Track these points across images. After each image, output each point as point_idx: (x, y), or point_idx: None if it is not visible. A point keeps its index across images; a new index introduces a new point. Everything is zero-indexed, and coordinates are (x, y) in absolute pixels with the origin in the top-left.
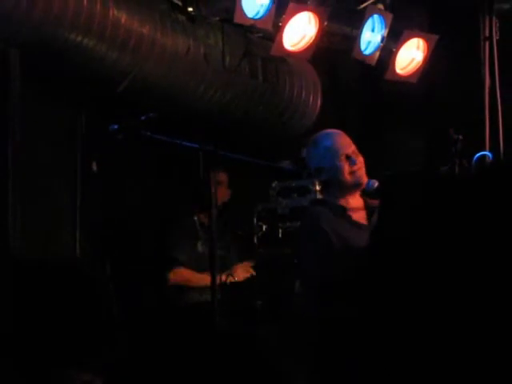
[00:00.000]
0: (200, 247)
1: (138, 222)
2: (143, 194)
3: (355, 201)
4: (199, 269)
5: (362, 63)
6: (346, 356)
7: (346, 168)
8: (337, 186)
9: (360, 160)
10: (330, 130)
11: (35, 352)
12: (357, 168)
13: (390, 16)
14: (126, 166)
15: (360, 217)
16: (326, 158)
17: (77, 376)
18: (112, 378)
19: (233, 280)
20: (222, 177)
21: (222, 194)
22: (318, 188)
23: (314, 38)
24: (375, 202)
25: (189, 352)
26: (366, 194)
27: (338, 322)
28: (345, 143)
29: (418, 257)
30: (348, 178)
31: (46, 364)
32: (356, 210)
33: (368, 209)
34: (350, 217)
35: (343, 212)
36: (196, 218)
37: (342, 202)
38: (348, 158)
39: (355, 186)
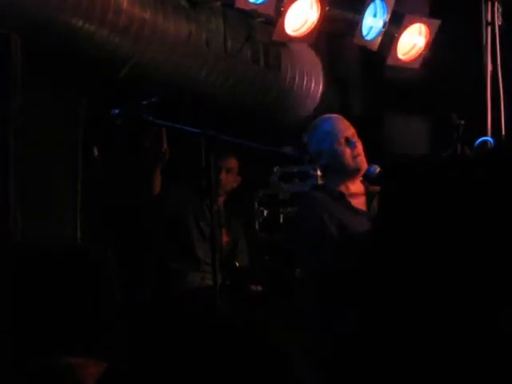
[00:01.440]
0: (205, 228)
1: (139, 207)
2: (145, 179)
3: (355, 186)
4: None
5: (363, 48)
6: (347, 343)
7: (348, 151)
8: (337, 171)
9: (359, 144)
10: (328, 115)
11: (32, 337)
12: (357, 153)
13: (392, 1)
14: (127, 151)
15: (359, 203)
16: (326, 142)
17: (72, 360)
18: (114, 362)
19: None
20: (232, 163)
21: (232, 180)
22: (319, 173)
23: (315, 23)
24: (376, 188)
25: (189, 338)
26: (368, 179)
27: (338, 309)
28: (344, 126)
29: (420, 244)
30: (349, 161)
31: (43, 349)
32: (356, 195)
33: (368, 195)
34: (348, 202)
35: (342, 197)
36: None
37: (342, 187)
38: (347, 140)
39: (356, 170)
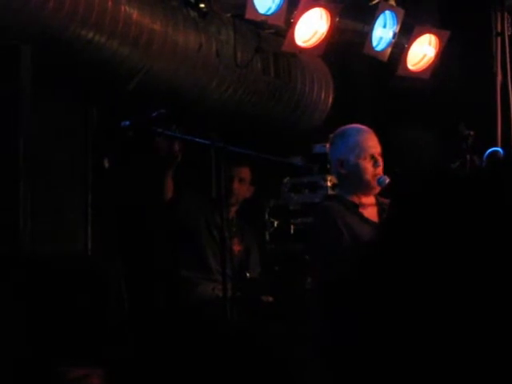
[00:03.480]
0: (218, 237)
1: (151, 213)
2: (155, 191)
3: (367, 198)
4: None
5: (373, 59)
6: (357, 352)
7: (370, 168)
8: (355, 183)
9: (381, 164)
10: (361, 126)
11: (35, 347)
12: (379, 171)
13: (401, 12)
14: (137, 162)
15: (371, 214)
16: (353, 153)
17: (74, 370)
18: (116, 372)
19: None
20: (245, 173)
21: (245, 190)
22: (329, 184)
23: (325, 34)
24: (385, 202)
25: (198, 349)
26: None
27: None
28: (373, 143)
29: (425, 257)
30: (370, 179)
31: (45, 359)
32: (367, 206)
33: (379, 206)
34: (361, 213)
35: (355, 208)
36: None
37: (355, 198)
38: (373, 158)
39: (370, 188)
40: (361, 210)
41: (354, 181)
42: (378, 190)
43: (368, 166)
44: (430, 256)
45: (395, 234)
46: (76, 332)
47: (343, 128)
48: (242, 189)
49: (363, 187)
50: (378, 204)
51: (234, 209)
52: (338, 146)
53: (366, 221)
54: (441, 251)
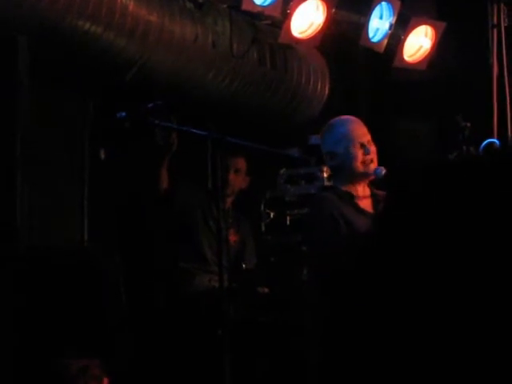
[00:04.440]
0: (214, 228)
1: (147, 203)
2: (152, 182)
3: (362, 189)
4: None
5: (370, 50)
6: (354, 342)
7: (360, 156)
8: (346, 173)
9: (373, 150)
10: (347, 117)
11: (34, 338)
12: (370, 158)
13: (398, 3)
14: (133, 154)
15: (366, 205)
16: (341, 144)
17: (74, 362)
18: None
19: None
20: (241, 163)
21: (241, 181)
22: (325, 175)
23: (321, 25)
24: (381, 193)
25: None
26: (374, 181)
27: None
28: (361, 131)
29: (422, 248)
30: (360, 166)
31: (45, 351)
32: (362, 197)
33: (374, 197)
34: (357, 204)
35: (351, 199)
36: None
37: (350, 189)
38: (362, 146)
39: (365, 175)
40: (356, 200)
41: (346, 171)
42: (372, 177)
43: (358, 153)
44: (427, 244)
45: (393, 223)
46: (73, 324)
47: (331, 121)
48: (238, 179)
49: (356, 175)
50: (373, 195)
51: (229, 200)
52: (326, 138)
53: (362, 211)
54: (438, 239)
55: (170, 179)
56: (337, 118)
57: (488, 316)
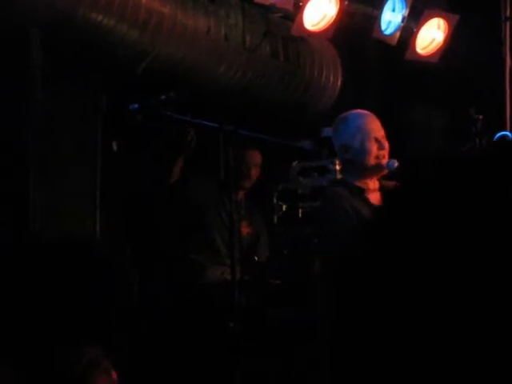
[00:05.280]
0: (226, 220)
1: (158, 203)
2: (164, 175)
3: (373, 183)
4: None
5: (382, 43)
6: (363, 335)
7: (374, 151)
8: (359, 168)
9: (387, 146)
10: (361, 111)
11: (44, 328)
12: (383, 154)
13: None
14: (146, 146)
15: (375, 198)
16: (356, 138)
17: (84, 352)
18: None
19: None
20: (259, 158)
21: (258, 175)
22: (337, 168)
23: (334, 17)
24: (389, 184)
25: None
26: (386, 174)
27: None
28: (376, 126)
29: (426, 242)
30: (373, 161)
31: (54, 340)
32: (372, 191)
33: (383, 190)
34: (367, 198)
35: (361, 193)
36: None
37: (361, 183)
38: (377, 141)
39: (378, 170)
40: (366, 194)
41: (359, 165)
42: (385, 172)
43: (373, 148)
44: (431, 238)
45: (399, 216)
46: (82, 315)
47: (345, 114)
48: (257, 173)
49: (369, 170)
50: (382, 188)
51: (242, 192)
52: (341, 131)
53: (371, 205)
54: (444, 233)
55: (182, 172)
56: (351, 112)
57: (491, 313)
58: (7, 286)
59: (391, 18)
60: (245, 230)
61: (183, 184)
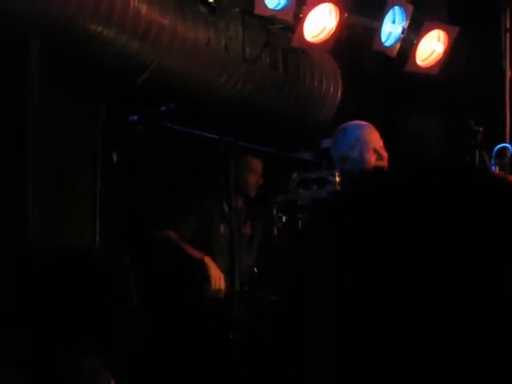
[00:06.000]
0: (223, 230)
1: (158, 213)
2: (164, 185)
3: None
4: (221, 250)
5: (382, 55)
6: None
7: (373, 161)
8: None
9: (385, 156)
10: (360, 122)
11: (45, 337)
12: (382, 164)
13: (410, 8)
14: (146, 157)
15: None
16: (355, 149)
17: (87, 361)
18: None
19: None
20: (259, 166)
21: (258, 183)
22: (337, 179)
23: (334, 29)
24: None
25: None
26: None
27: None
28: (375, 137)
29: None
30: None
31: (56, 350)
32: None
33: None
34: None
35: None
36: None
37: None
38: (376, 151)
39: None
40: None
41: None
42: None
43: (372, 159)
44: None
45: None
46: (82, 324)
47: (344, 125)
48: (257, 181)
49: None
50: None
51: (241, 200)
52: (340, 142)
53: None
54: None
55: (187, 186)
56: (350, 123)
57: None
58: (6, 297)
59: (391, 30)
60: (247, 229)
61: (185, 194)
